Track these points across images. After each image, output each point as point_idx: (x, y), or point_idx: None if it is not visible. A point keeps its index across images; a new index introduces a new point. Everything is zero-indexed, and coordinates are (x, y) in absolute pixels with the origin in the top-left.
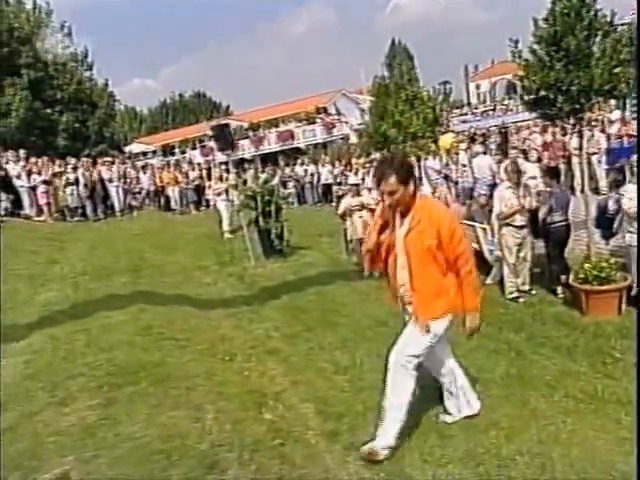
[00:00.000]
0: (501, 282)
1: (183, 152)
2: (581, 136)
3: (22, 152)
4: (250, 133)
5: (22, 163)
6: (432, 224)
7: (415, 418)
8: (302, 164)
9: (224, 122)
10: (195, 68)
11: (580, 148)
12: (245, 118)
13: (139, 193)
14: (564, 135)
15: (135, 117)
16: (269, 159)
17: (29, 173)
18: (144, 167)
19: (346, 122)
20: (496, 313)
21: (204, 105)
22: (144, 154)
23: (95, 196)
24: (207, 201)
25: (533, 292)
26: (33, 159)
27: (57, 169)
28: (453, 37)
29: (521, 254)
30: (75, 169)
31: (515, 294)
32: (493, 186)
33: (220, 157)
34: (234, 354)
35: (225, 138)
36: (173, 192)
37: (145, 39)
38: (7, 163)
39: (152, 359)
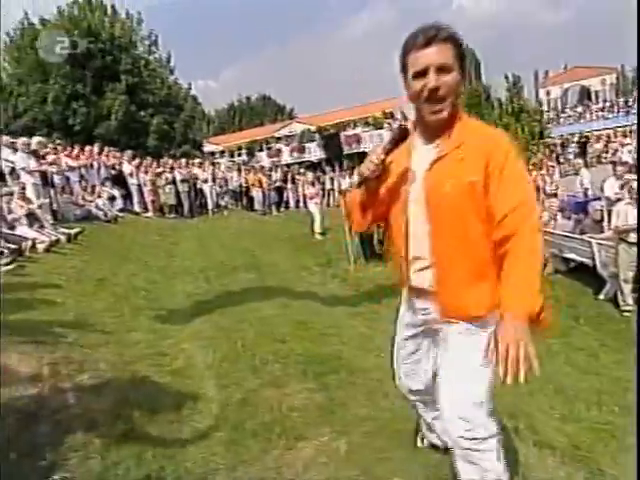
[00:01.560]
0: (615, 298)
1: (250, 153)
2: None
3: (129, 152)
4: (317, 136)
5: (134, 163)
6: (480, 151)
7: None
8: None
9: (334, 132)
10: (255, 71)
11: None
12: (312, 121)
13: (226, 193)
14: None
15: (203, 118)
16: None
17: (137, 172)
18: (239, 169)
19: None
20: (620, 329)
21: (269, 107)
22: (212, 154)
23: (190, 195)
24: (286, 202)
25: None
26: (138, 159)
27: (158, 169)
28: (521, 40)
29: None
30: (172, 169)
31: (629, 307)
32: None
33: (286, 159)
34: (381, 350)
35: (335, 148)
36: (257, 193)
37: (204, 40)
38: (121, 164)
39: (327, 351)
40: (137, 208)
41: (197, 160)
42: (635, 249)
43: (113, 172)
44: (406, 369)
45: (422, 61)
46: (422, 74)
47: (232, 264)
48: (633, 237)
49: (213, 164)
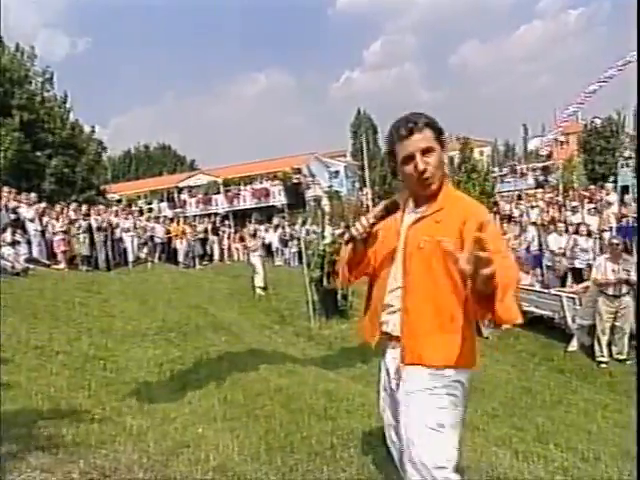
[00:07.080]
0: (590, 348)
1: (149, 203)
2: None
3: (33, 195)
4: (222, 188)
5: (36, 207)
6: (456, 214)
7: None
8: (303, 223)
9: (297, 182)
10: (150, 120)
11: None
12: (218, 173)
13: (146, 244)
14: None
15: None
16: (240, 215)
17: (40, 218)
18: (157, 218)
19: (319, 184)
20: (607, 381)
21: (169, 158)
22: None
23: (107, 245)
24: (210, 255)
25: (629, 362)
26: (43, 204)
27: (73, 216)
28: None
29: (617, 323)
30: (87, 216)
31: (605, 359)
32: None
33: (190, 211)
34: None
35: (298, 196)
36: (181, 245)
37: (98, 84)
38: (20, 207)
39: None
40: (38, 257)
41: (117, 207)
42: (616, 301)
43: (12, 216)
44: (390, 429)
45: (408, 149)
46: (410, 158)
47: (191, 323)
48: (611, 290)
49: (133, 212)
